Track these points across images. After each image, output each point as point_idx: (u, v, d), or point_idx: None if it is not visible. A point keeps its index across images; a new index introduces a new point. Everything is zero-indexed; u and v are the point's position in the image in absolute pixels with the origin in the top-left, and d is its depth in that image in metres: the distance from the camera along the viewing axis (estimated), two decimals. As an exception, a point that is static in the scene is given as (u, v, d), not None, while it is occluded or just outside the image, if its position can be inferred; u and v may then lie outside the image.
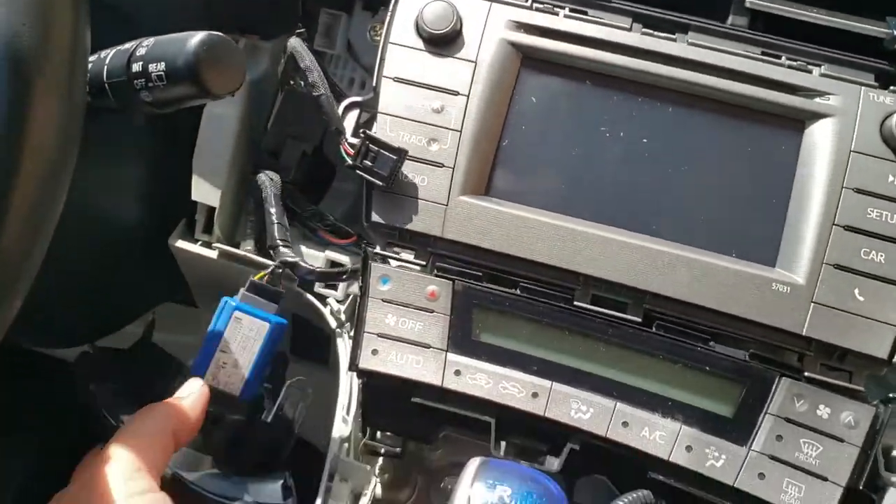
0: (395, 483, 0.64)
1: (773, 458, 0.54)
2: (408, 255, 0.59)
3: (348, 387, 0.62)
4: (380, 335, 0.57)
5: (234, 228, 0.68)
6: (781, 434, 0.54)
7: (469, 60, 0.58)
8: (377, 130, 0.58)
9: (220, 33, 0.47)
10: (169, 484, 0.51)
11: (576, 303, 0.57)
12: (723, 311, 0.55)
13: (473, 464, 0.51)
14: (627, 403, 0.55)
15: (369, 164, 0.56)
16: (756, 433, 0.54)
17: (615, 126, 0.57)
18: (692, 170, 0.57)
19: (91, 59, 0.49)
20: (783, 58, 0.57)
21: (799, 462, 0.53)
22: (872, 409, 0.54)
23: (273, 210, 0.61)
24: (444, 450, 0.64)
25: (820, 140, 0.55)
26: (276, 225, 0.60)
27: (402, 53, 0.59)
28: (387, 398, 0.58)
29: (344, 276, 0.63)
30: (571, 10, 0.59)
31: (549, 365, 0.56)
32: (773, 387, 0.55)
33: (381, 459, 0.63)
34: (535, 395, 0.56)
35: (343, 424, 0.60)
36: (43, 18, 0.36)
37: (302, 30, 0.63)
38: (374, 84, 0.59)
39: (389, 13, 0.59)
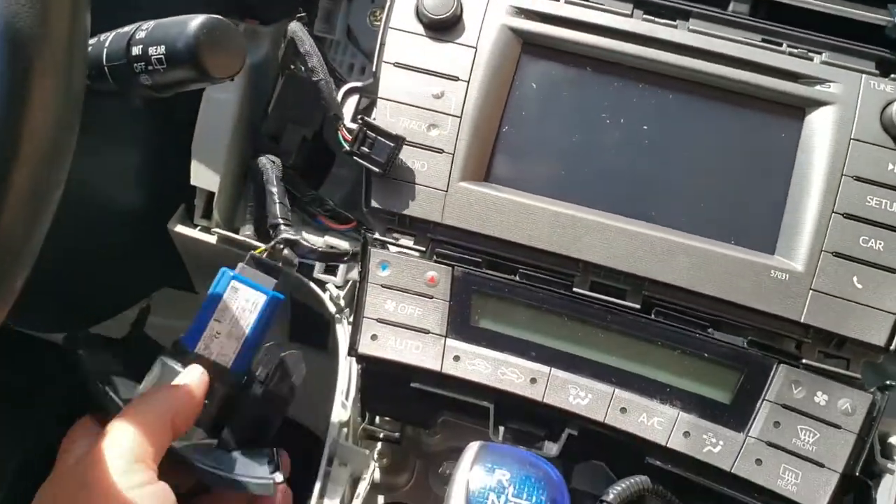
0: (393, 467, 0.65)
1: (770, 444, 0.54)
2: (407, 241, 0.59)
3: (347, 372, 0.62)
4: (379, 320, 0.57)
5: (233, 213, 0.68)
6: (779, 420, 0.54)
7: (469, 46, 0.58)
8: (377, 116, 0.58)
9: (220, 16, 0.47)
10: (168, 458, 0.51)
11: (575, 289, 0.57)
12: (721, 298, 0.55)
13: (472, 448, 0.51)
14: (626, 389, 0.55)
15: (366, 150, 0.56)
16: (754, 419, 0.54)
17: (615, 113, 0.57)
18: (692, 157, 0.57)
19: (90, 42, 0.49)
20: (784, 45, 0.57)
21: (796, 448, 0.54)
22: (869, 396, 0.54)
23: (274, 190, 0.61)
24: (442, 435, 0.65)
25: (820, 127, 0.55)
26: (277, 204, 0.60)
27: (402, 39, 0.59)
28: (386, 383, 0.59)
29: (345, 259, 0.63)
30: (572, -4, 0.59)
31: (547, 351, 0.56)
32: (771, 373, 0.55)
33: (379, 444, 0.63)
34: (533, 380, 0.56)
35: (342, 409, 0.60)
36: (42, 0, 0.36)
37: (303, 14, 0.63)
38: (374, 69, 0.59)
39: (390, -2, 0.59)
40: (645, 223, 0.56)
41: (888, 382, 0.55)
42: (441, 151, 0.57)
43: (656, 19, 0.58)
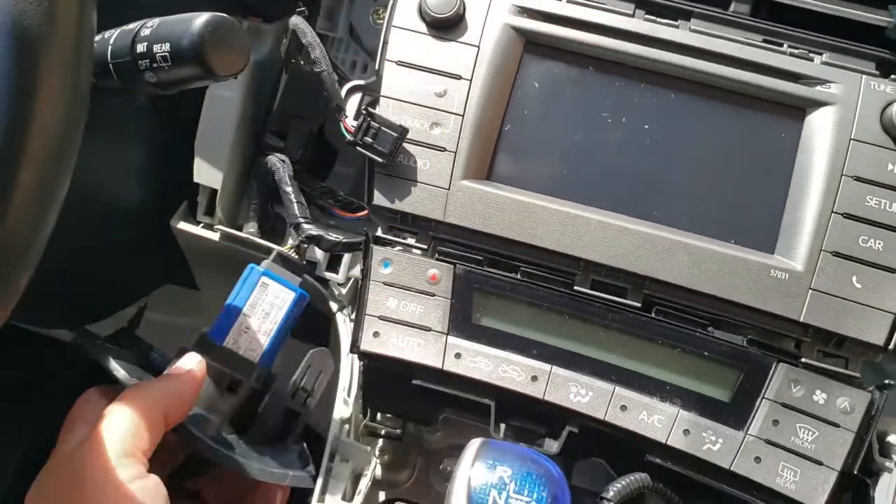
0: (394, 464, 0.65)
1: (769, 442, 0.54)
2: (409, 239, 0.59)
3: (349, 369, 0.62)
4: (381, 318, 0.58)
5: (236, 211, 0.68)
6: (778, 419, 0.54)
7: (472, 45, 0.58)
8: (380, 114, 0.58)
9: (225, 14, 0.47)
10: (182, 442, 0.51)
11: (576, 287, 0.57)
12: (721, 297, 0.55)
13: (474, 444, 0.51)
14: (626, 387, 0.56)
15: (370, 140, 0.56)
16: (753, 418, 0.55)
17: (617, 112, 0.58)
18: (693, 156, 0.57)
19: (95, 39, 0.49)
20: (785, 45, 0.58)
21: (795, 446, 0.54)
22: (868, 395, 0.54)
23: (289, 189, 0.62)
24: (443, 432, 0.65)
25: (820, 128, 0.56)
26: (295, 203, 0.61)
27: (405, 37, 0.59)
28: (387, 380, 0.59)
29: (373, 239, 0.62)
30: (574, -4, 0.59)
31: (548, 349, 0.57)
32: (771, 372, 0.55)
33: (381, 441, 0.64)
34: (534, 378, 0.56)
35: (344, 406, 0.61)
36: None
37: (302, 8, 0.63)
38: (376, 67, 0.59)
39: (393, -3, 0.60)
40: (646, 222, 0.57)
41: (886, 381, 0.56)
42: (443, 150, 0.57)
43: (658, 19, 0.58)
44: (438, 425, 0.63)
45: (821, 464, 0.54)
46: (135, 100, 0.60)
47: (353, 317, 0.62)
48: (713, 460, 0.54)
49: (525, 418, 0.57)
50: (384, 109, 0.58)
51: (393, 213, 0.58)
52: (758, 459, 0.54)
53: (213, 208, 0.66)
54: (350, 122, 0.57)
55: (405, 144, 0.57)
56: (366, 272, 0.58)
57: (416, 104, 0.58)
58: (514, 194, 0.57)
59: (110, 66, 0.49)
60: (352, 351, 0.59)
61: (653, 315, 0.57)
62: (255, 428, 0.55)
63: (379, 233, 0.59)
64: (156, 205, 0.67)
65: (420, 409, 0.60)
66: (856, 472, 0.54)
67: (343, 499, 0.58)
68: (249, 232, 0.65)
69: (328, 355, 0.57)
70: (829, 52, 0.57)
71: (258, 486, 0.56)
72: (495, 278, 0.58)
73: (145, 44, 0.47)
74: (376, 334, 0.57)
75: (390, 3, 0.60)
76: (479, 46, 0.58)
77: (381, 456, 0.64)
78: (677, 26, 0.58)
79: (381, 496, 0.66)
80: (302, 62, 0.63)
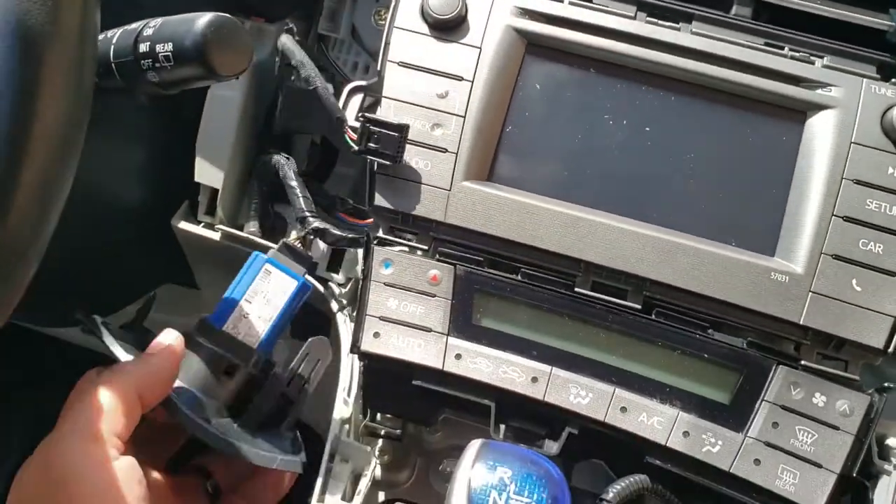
0: (394, 464, 0.65)
1: (768, 444, 0.54)
2: (410, 240, 0.59)
3: (349, 369, 0.62)
4: (382, 318, 0.58)
5: (236, 210, 0.68)
6: (777, 421, 0.54)
7: (474, 46, 0.58)
8: (381, 115, 0.58)
9: (227, 15, 0.47)
10: (173, 419, 0.51)
11: (576, 289, 0.57)
12: (722, 300, 0.55)
13: (474, 445, 0.51)
14: (626, 389, 0.56)
15: (374, 146, 0.56)
16: (752, 420, 0.55)
17: (618, 114, 0.58)
18: (694, 159, 0.57)
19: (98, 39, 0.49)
20: (786, 48, 0.58)
21: (794, 449, 0.54)
22: (867, 397, 0.54)
23: (294, 184, 0.62)
24: (443, 432, 0.65)
25: (821, 131, 0.56)
26: (301, 198, 0.61)
27: (407, 38, 0.59)
28: (388, 381, 0.59)
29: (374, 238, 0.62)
30: (576, -2, 0.59)
31: (549, 350, 0.57)
32: (770, 374, 0.55)
33: (381, 441, 0.64)
34: (534, 379, 0.56)
35: (344, 406, 0.61)
36: None
37: (290, 26, 0.63)
38: (378, 68, 0.59)
39: (395, -2, 0.60)
40: (646, 224, 0.57)
41: (886, 384, 0.56)
42: (445, 151, 0.58)
43: (659, 22, 0.59)
44: (438, 426, 0.63)
45: (820, 466, 0.54)
46: (136, 99, 0.60)
47: (353, 317, 0.62)
48: (713, 462, 0.55)
49: (525, 419, 0.57)
50: (385, 110, 0.58)
51: (394, 213, 0.58)
52: (757, 462, 0.54)
53: (214, 208, 0.66)
54: (353, 128, 0.57)
55: (407, 145, 0.57)
56: (366, 272, 0.58)
57: (417, 105, 0.58)
58: (515, 195, 0.57)
59: (113, 65, 0.49)
60: (352, 351, 0.59)
61: (653, 317, 0.57)
62: (250, 413, 0.55)
63: (380, 233, 0.59)
64: (157, 204, 0.67)
65: (420, 410, 0.60)
66: (855, 474, 0.54)
67: (343, 499, 0.58)
68: (250, 231, 0.65)
69: (327, 344, 0.57)
70: (830, 56, 0.57)
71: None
72: (496, 279, 0.58)
73: (148, 43, 0.47)
74: (377, 335, 0.57)
75: (392, 4, 0.60)
76: (480, 48, 0.58)
77: (380, 456, 0.64)
78: (678, 29, 0.58)
79: (381, 496, 0.66)
80: (293, 78, 0.63)
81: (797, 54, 0.57)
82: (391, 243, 0.59)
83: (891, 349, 0.54)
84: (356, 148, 0.57)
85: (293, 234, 0.60)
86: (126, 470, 0.46)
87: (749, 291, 0.55)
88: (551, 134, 0.58)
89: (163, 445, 0.56)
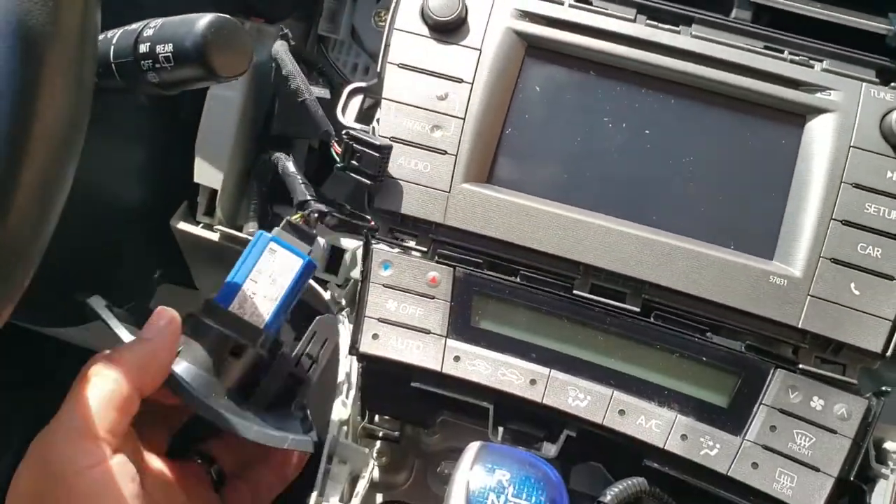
0: (392, 466, 0.65)
1: (766, 447, 0.54)
2: (409, 241, 0.59)
3: (348, 370, 0.62)
4: (380, 320, 0.58)
5: (235, 211, 0.68)
6: (775, 425, 0.55)
7: (474, 48, 0.58)
8: (381, 116, 0.58)
9: (228, 16, 0.47)
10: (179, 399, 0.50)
11: (575, 292, 0.57)
12: (720, 303, 0.55)
13: (473, 448, 0.51)
14: (624, 392, 0.56)
15: (356, 164, 0.56)
16: (750, 423, 0.55)
17: (618, 116, 0.58)
18: (693, 162, 0.57)
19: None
20: (786, 52, 0.58)
21: (792, 452, 0.54)
22: (865, 401, 0.55)
23: (293, 171, 0.61)
24: (441, 434, 0.65)
25: (820, 135, 0.56)
26: (301, 184, 0.60)
27: (406, 40, 0.59)
28: (386, 382, 0.59)
29: (369, 228, 0.62)
30: (576, 0, 0.59)
31: (547, 352, 0.57)
32: (768, 378, 0.55)
33: (379, 443, 0.64)
34: (533, 381, 0.56)
35: (342, 407, 0.61)
36: None
37: (285, 31, 0.63)
38: (378, 70, 0.59)
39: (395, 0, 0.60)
40: (645, 227, 0.57)
41: (884, 388, 0.56)
42: (444, 153, 0.58)
43: (659, 24, 0.59)
44: (437, 428, 0.63)
45: (818, 470, 0.54)
46: (136, 100, 0.60)
47: (352, 318, 0.62)
48: (710, 465, 0.55)
49: (523, 422, 0.57)
50: (385, 112, 0.58)
51: (393, 215, 0.58)
52: (755, 465, 0.54)
53: (213, 208, 0.66)
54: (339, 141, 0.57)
55: (406, 147, 0.58)
56: (365, 274, 0.58)
57: (417, 107, 0.58)
58: (515, 198, 0.57)
59: (113, 65, 0.49)
60: (351, 353, 0.59)
61: (651, 320, 0.57)
62: (258, 394, 0.54)
63: (379, 235, 0.59)
64: (156, 205, 0.67)
65: (418, 412, 0.60)
66: (852, 478, 0.54)
67: (340, 500, 0.58)
68: (249, 232, 0.65)
69: (335, 322, 0.57)
70: (830, 60, 0.57)
71: (272, 452, 0.56)
72: (495, 281, 0.58)
73: (148, 44, 0.47)
74: (375, 336, 0.57)
75: (392, 5, 0.60)
76: (480, 50, 0.58)
77: (378, 458, 0.64)
78: (678, 32, 0.58)
79: (379, 498, 0.66)
80: (289, 84, 0.63)
81: (797, 58, 0.58)
82: (390, 245, 0.59)
83: (889, 353, 0.54)
84: (339, 164, 0.57)
85: (297, 215, 0.59)
86: (118, 467, 0.46)
87: (747, 295, 0.55)
88: (551, 136, 0.58)
89: (164, 427, 0.55)
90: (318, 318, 0.57)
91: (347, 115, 0.60)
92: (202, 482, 0.55)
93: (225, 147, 0.64)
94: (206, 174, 0.65)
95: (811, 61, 0.58)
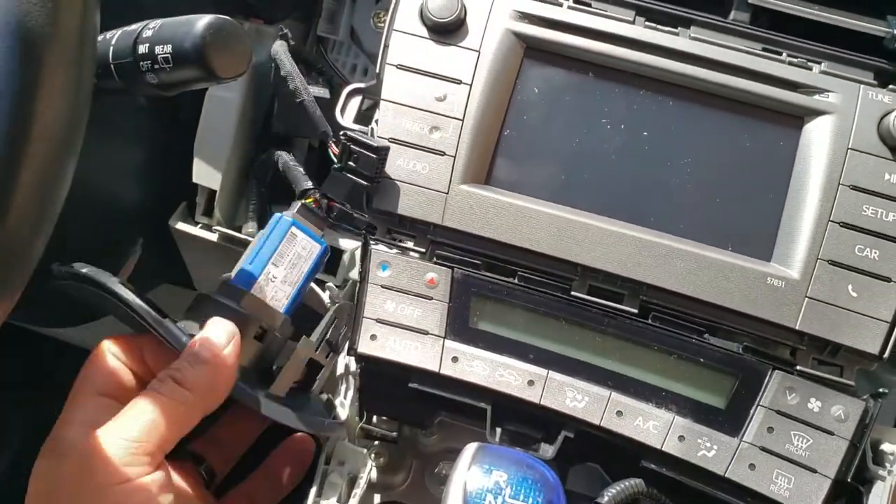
0: (390, 467, 0.65)
1: (763, 449, 0.54)
2: (408, 242, 0.59)
3: (346, 371, 0.62)
4: (378, 321, 0.58)
5: (234, 211, 0.68)
6: (773, 426, 0.55)
7: (472, 49, 0.58)
8: (379, 117, 0.58)
9: (227, 17, 0.47)
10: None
11: (573, 293, 0.57)
12: (718, 304, 0.56)
13: (470, 449, 0.51)
14: (622, 393, 0.56)
15: (353, 164, 0.56)
16: (748, 425, 0.55)
17: (616, 118, 0.58)
18: (691, 163, 0.57)
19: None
20: (784, 54, 0.58)
21: (789, 454, 0.54)
22: (862, 403, 0.55)
23: (294, 163, 0.61)
24: (439, 435, 0.65)
25: (818, 137, 0.56)
26: (303, 175, 0.60)
27: (405, 41, 0.59)
28: (384, 383, 0.59)
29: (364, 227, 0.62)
30: (575, 2, 0.59)
31: (545, 353, 0.57)
32: (766, 379, 0.55)
33: (376, 443, 0.64)
34: (531, 382, 0.56)
35: (340, 408, 0.61)
36: None
37: (285, 31, 0.63)
38: (377, 71, 0.59)
39: (394, 1, 0.60)
40: (643, 228, 0.57)
41: (881, 390, 0.56)
42: (442, 154, 0.58)
43: (658, 26, 0.59)
44: (434, 429, 0.63)
45: (815, 471, 0.54)
46: (135, 100, 0.60)
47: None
48: (708, 467, 0.55)
49: (521, 423, 0.57)
50: (384, 113, 0.58)
51: (392, 216, 0.58)
52: (752, 466, 0.54)
53: (212, 209, 0.66)
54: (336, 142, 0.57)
55: (405, 148, 0.58)
56: (364, 275, 0.58)
57: (416, 108, 0.58)
58: (513, 199, 0.57)
59: (112, 66, 0.49)
60: (349, 353, 0.59)
61: (649, 321, 0.57)
62: (279, 380, 0.54)
63: (377, 236, 0.59)
64: (155, 205, 0.67)
65: (416, 413, 0.60)
66: (849, 479, 0.54)
67: (338, 501, 0.58)
68: (248, 233, 0.65)
69: (351, 309, 0.56)
70: (828, 62, 0.58)
71: (269, 462, 0.57)
72: (493, 282, 0.58)
73: (147, 45, 0.47)
74: (373, 337, 0.57)
75: (391, 6, 0.60)
76: (479, 51, 0.58)
77: (376, 459, 0.64)
78: (677, 34, 0.59)
79: (377, 499, 0.66)
80: (289, 86, 0.63)
81: (795, 60, 0.58)
82: (389, 246, 0.59)
83: (886, 355, 0.55)
84: (336, 165, 0.57)
85: (309, 199, 0.58)
86: (160, 482, 0.46)
87: (745, 296, 0.55)
88: (549, 138, 0.58)
89: None
90: (337, 304, 0.57)
91: (346, 116, 0.60)
92: (196, 482, 0.55)
93: (224, 148, 0.64)
94: (205, 175, 0.65)
95: (809, 63, 0.58)
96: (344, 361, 0.62)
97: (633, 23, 0.59)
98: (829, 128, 0.56)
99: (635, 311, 0.57)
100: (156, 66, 0.47)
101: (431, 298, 0.58)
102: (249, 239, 0.64)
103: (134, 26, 0.49)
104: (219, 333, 0.50)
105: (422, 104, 0.58)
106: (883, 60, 0.57)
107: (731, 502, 0.55)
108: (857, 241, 0.55)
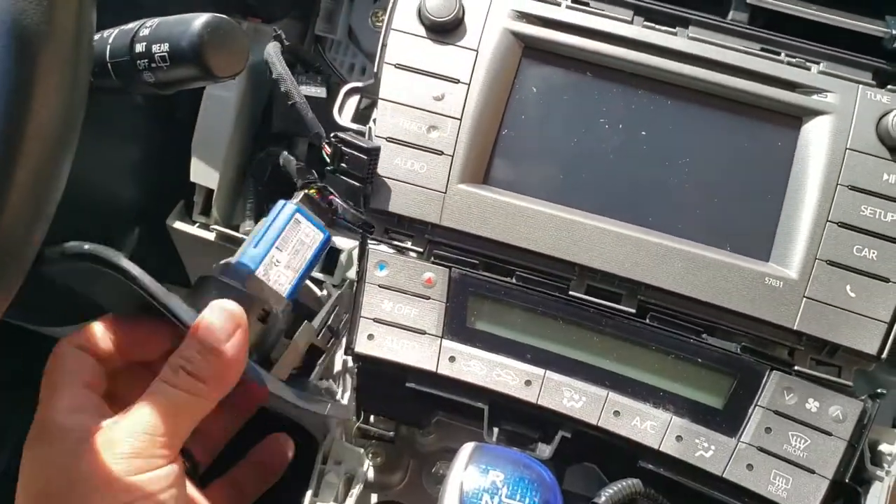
0: (387, 466, 0.65)
1: (761, 449, 0.54)
2: (405, 242, 0.59)
3: (344, 370, 0.62)
4: (376, 320, 0.58)
5: (231, 210, 0.68)
6: (770, 426, 0.55)
7: (471, 49, 0.58)
8: (377, 117, 0.58)
9: (224, 15, 0.47)
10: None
11: (571, 293, 0.57)
12: (716, 304, 0.55)
13: (467, 448, 0.51)
14: (619, 393, 0.56)
15: (345, 166, 0.56)
16: (745, 425, 0.55)
17: (614, 118, 0.58)
18: (689, 163, 0.57)
19: (94, 38, 0.49)
20: (782, 54, 0.58)
21: (787, 454, 0.54)
22: (860, 403, 0.55)
23: (293, 158, 0.62)
24: (436, 435, 0.65)
25: (816, 137, 0.56)
26: (305, 167, 0.60)
27: (403, 40, 0.59)
28: (381, 383, 0.59)
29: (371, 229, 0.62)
30: (573, 1, 0.59)
31: (542, 353, 0.57)
32: (764, 380, 0.55)
33: (373, 443, 0.64)
34: (528, 382, 0.56)
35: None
36: None
37: (278, 33, 0.63)
38: (375, 70, 0.59)
39: (392, 0, 0.60)
40: (641, 228, 0.57)
41: (879, 390, 0.56)
42: (440, 153, 0.58)
43: (656, 26, 0.59)
44: (431, 428, 0.63)
45: (812, 472, 0.54)
46: (132, 99, 0.60)
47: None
48: (705, 467, 0.55)
49: (518, 423, 0.57)
50: (382, 112, 0.58)
51: (389, 215, 0.58)
52: (750, 467, 0.54)
53: (209, 208, 0.66)
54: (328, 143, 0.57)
55: (403, 147, 0.58)
56: (361, 274, 0.58)
57: (414, 107, 0.58)
58: (511, 199, 0.57)
59: (108, 65, 0.49)
60: (346, 353, 0.59)
61: (647, 321, 0.57)
62: (279, 364, 0.54)
63: (375, 235, 0.59)
64: (152, 204, 0.67)
65: (413, 412, 0.60)
66: (847, 480, 0.54)
67: (335, 500, 0.58)
68: (245, 231, 0.65)
69: (349, 295, 0.57)
70: (827, 62, 0.58)
71: (253, 451, 0.57)
72: (490, 282, 0.58)
73: (144, 44, 0.47)
74: (371, 337, 0.57)
75: (390, 5, 0.60)
76: (477, 50, 0.58)
77: (373, 458, 0.64)
78: (675, 34, 0.58)
79: (374, 498, 0.66)
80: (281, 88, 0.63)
81: (793, 60, 0.58)
82: (386, 245, 0.59)
83: (884, 355, 0.55)
84: (329, 167, 0.57)
85: (311, 189, 0.58)
86: (171, 475, 0.46)
87: (743, 296, 0.55)
88: (547, 137, 0.58)
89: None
90: (338, 293, 0.57)
91: (344, 116, 0.60)
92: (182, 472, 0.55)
93: (221, 146, 0.64)
94: (202, 174, 0.65)
95: (808, 63, 0.58)
96: (341, 360, 0.62)
97: (631, 22, 0.59)
98: (828, 128, 0.56)
99: (633, 310, 0.57)
100: (153, 65, 0.47)
101: (429, 298, 0.58)
102: (246, 238, 0.64)
103: (131, 25, 0.49)
104: (227, 320, 0.49)
105: (420, 103, 0.58)
106: (881, 61, 0.57)
107: (729, 503, 0.55)
108: (856, 242, 0.55)
